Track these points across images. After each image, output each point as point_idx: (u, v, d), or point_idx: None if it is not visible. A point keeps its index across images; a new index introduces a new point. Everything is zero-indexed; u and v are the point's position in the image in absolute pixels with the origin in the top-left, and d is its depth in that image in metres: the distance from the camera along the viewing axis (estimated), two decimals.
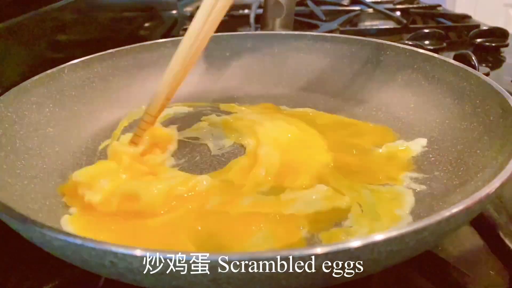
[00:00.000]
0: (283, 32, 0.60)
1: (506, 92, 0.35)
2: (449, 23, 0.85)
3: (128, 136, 0.42)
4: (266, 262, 0.18)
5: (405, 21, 0.84)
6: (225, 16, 1.08)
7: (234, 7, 1.04)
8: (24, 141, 0.37)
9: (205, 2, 0.34)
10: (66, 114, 0.44)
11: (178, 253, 0.18)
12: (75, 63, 0.47)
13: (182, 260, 0.18)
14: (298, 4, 1.01)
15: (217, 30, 0.95)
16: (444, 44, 0.72)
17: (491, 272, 0.29)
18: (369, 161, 0.39)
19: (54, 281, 0.29)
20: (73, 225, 0.30)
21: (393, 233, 0.19)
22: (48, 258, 0.24)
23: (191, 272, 0.18)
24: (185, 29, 0.85)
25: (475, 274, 0.29)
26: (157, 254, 0.18)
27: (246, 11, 1.02)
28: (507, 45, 0.70)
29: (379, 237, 0.19)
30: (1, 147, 0.34)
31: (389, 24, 0.91)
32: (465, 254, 0.31)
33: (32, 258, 0.30)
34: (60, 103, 0.44)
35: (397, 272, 0.29)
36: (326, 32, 0.75)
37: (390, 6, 1.02)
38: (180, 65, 0.36)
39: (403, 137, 0.42)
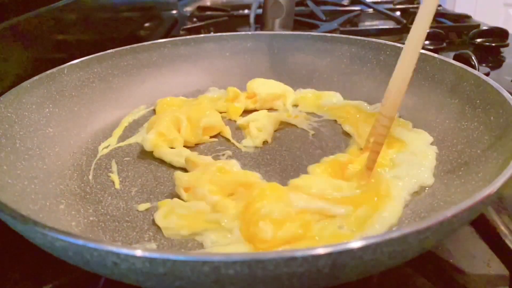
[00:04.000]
0: (283, 32, 0.60)
1: (506, 92, 0.35)
2: (449, 23, 0.85)
3: None
4: (268, 263, 0.18)
5: (405, 21, 0.84)
6: (225, 16, 1.08)
7: (234, 7, 1.05)
8: (24, 142, 0.37)
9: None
10: (66, 114, 0.44)
11: (181, 254, 0.18)
12: (75, 63, 0.47)
13: (185, 261, 0.18)
14: (298, 4, 1.01)
15: (217, 30, 0.95)
16: (444, 44, 0.72)
17: (491, 272, 0.29)
18: None
19: (54, 281, 0.29)
20: None
21: (395, 233, 0.19)
22: (48, 258, 0.24)
23: (194, 273, 0.18)
24: (185, 29, 0.86)
25: (475, 274, 0.29)
26: (160, 255, 0.18)
27: (246, 11, 1.02)
28: (507, 45, 0.71)
29: (381, 237, 0.19)
30: (1, 147, 0.34)
31: (389, 24, 0.91)
32: (465, 254, 0.31)
33: (32, 258, 0.30)
34: (60, 104, 0.44)
35: (397, 272, 0.29)
36: (326, 32, 0.75)
37: (390, 6, 1.02)
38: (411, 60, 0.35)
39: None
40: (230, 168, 0.35)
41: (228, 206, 0.32)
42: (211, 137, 0.46)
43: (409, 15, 0.91)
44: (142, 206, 0.35)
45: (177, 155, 0.40)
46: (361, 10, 0.97)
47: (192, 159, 0.38)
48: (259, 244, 0.28)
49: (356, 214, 0.31)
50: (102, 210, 0.34)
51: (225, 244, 0.30)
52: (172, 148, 0.42)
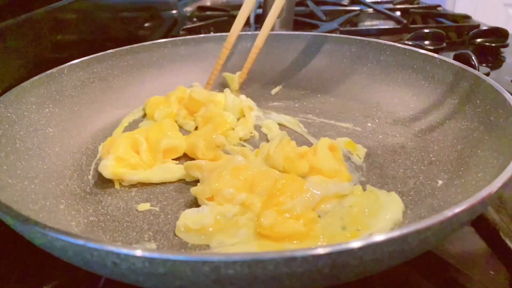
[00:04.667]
0: (283, 32, 0.60)
1: (506, 92, 0.35)
2: (449, 23, 0.85)
3: None
4: (268, 263, 0.18)
5: (405, 21, 0.84)
6: (225, 16, 1.07)
7: (234, 7, 1.04)
8: (24, 142, 0.37)
9: None
10: (65, 114, 0.44)
11: (181, 254, 0.18)
12: (75, 63, 0.48)
13: (185, 261, 0.18)
14: (298, 4, 1.01)
15: (217, 30, 0.95)
16: (444, 44, 0.72)
17: (491, 272, 0.29)
18: None
19: (54, 281, 0.29)
20: None
21: (395, 233, 0.19)
22: (48, 258, 0.24)
23: (194, 273, 0.18)
24: (185, 29, 0.86)
25: (475, 274, 0.29)
26: (160, 255, 0.18)
27: None
28: (507, 45, 0.71)
29: (381, 237, 0.19)
30: (1, 147, 0.34)
31: (389, 24, 0.91)
32: (465, 254, 0.31)
33: (32, 258, 0.30)
34: (60, 104, 0.44)
35: (397, 272, 0.29)
36: (326, 32, 0.74)
37: (390, 6, 1.02)
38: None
39: (403, 137, 0.43)
40: (243, 164, 0.35)
41: (255, 202, 0.32)
42: (174, 159, 0.41)
43: (409, 15, 0.91)
44: (142, 206, 0.35)
45: (168, 172, 0.38)
46: (361, 10, 0.97)
47: (194, 164, 0.37)
48: (261, 230, 0.29)
49: (360, 211, 0.31)
50: (102, 210, 0.34)
51: (231, 244, 0.30)
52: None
